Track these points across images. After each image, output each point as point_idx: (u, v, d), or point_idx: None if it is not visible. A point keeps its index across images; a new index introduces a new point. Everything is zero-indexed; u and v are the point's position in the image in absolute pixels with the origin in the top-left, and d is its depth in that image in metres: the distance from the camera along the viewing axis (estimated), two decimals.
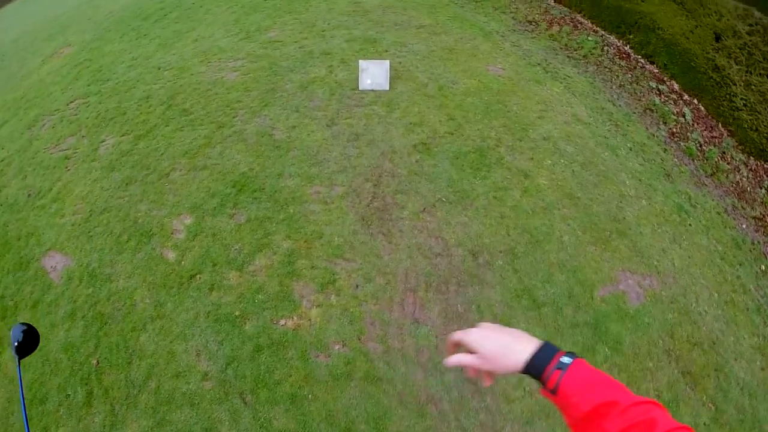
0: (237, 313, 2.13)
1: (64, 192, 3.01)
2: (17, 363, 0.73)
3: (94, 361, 2.07)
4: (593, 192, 2.65)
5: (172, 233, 2.53)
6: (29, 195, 3.01)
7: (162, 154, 3.07)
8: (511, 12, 4.68)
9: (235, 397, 1.88)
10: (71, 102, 3.90)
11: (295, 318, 2.05)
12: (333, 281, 2.15)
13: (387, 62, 3.27)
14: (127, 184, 2.90)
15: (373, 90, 3.39)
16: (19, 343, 0.76)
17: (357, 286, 2.13)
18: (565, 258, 2.20)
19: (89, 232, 2.69)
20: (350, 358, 1.88)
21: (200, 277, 2.26)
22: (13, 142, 3.52)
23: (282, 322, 2.09)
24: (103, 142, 3.40)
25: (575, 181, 2.67)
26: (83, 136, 3.54)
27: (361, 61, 3.32)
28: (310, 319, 2.03)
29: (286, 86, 3.48)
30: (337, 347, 1.94)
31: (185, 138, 3.11)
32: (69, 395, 2.04)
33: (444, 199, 2.52)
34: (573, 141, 2.98)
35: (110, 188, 2.92)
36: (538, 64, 3.80)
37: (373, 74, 3.33)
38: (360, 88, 3.39)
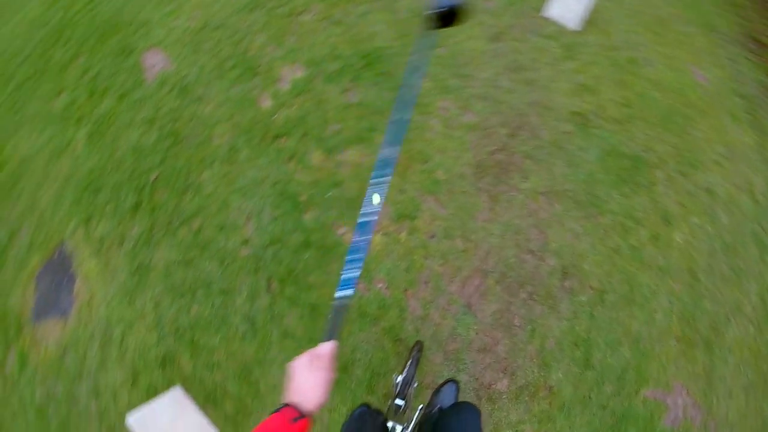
0: (303, 198, 2.01)
1: None
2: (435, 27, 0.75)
3: (154, 176, 2.15)
4: (716, 285, 2.19)
5: (277, 81, 2.44)
6: None
7: None
8: (744, 17, 3.69)
9: (263, 277, 1.89)
10: None
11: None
12: (412, 217, 2.02)
13: None
14: (252, 8, 2.86)
15: (557, 23, 2.87)
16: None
17: (433, 236, 2.00)
18: (644, 336, 1.93)
19: (197, 43, 2.75)
20: (386, 303, 1.85)
21: (285, 141, 2.15)
22: None
23: (342, 230, 1.97)
24: None
25: (707, 261, 2.26)
26: None
27: None
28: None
29: None
30: (379, 285, 1.89)
31: None
32: (120, 197, 2.18)
33: (571, 194, 2.18)
34: (732, 213, 2.47)
35: (233, 6, 2.91)
36: (744, 97, 3.21)
37: (567, 4, 2.74)
38: (543, 15, 2.89)
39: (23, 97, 3.07)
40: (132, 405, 1.94)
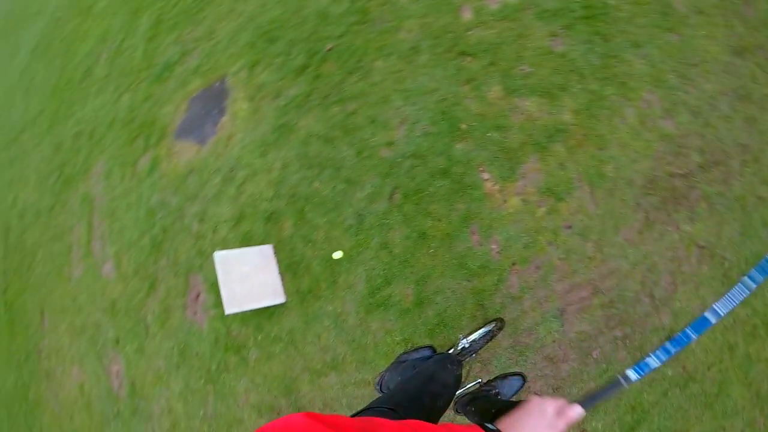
0: (463, 126, 2.19)
1: None
2: None
3: (329, 46, 2.49)
4: None
5: None
6: None
7: None
8: None
9: (390, 184, 2.19)
10: None
11: (497, 186, 2.15)
12: (559, 198, 2.11)
13: None
14: None
15: None
16: None
17: (570, 227, 2.08)
18: None
19: None
20: (489, 267, 2.04)
21: (470, 62, 2.31)
22: None
23: (485, 176, 2.14)
24: None
25: None
26: None
27: None
28: (505, 201, 2.13)
29: None
30: (493, 246, 2.07)
31: None
32: (291, 54, 2.61)
33: (726, 264, 2.06)
34: None
35: None
36: None
37: None
38: None
39: None
40: (226, 242, 2.44)
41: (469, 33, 2.44)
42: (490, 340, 1.87)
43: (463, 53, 2.37)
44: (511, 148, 2.13)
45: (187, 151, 2.84)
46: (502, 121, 2.19)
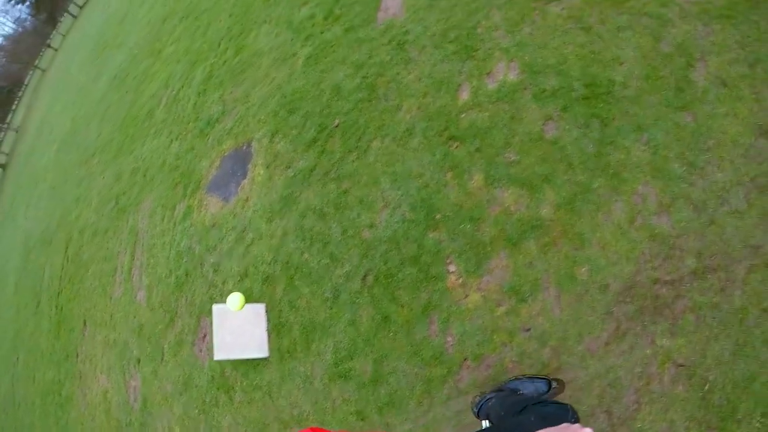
0: (438, 216, 2.61)
1: None
2: None
3: (337, 122, 3.02)
4: None
5: (487, 74, 2.92)
6: None
7: None
8: None
9: (365, 265, 2.62)
10: None
11: (461, 279, 2.41)
12: (521, 299, 2.30)
13: None
14: None
15: None
16: None
17: (528, 330, 2.26)
18: None
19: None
20: (442, 358, 2.31)
21: (457, 147, 2.73)
22: None
23: (452, 268, 2.46)
24: None
25: None
26: None
27: None
28: (466, 296, 2.39)
29: None
30: (448, 339, 2.34)
31: None
32: (305, 127, 3.18)
33: (707, 386, 2.06)
34: None
35: None
36: None
37: None
38: None
39: None
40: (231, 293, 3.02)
41: (462, 116, 2.80)
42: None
43: (453, 138, 2.74)
44: (481, 242, 2.44)
45: (213, 206, 3.53)
46: (478, 212, 2.51)
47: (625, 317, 2.20)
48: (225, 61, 4.43)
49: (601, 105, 2.67)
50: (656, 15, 2.94)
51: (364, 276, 2.57)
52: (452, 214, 2.53)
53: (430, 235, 2.51)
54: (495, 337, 2.28)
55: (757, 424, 1.97)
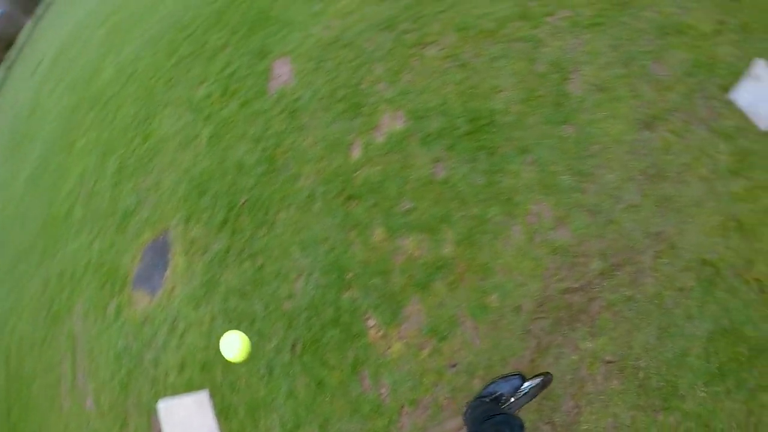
0: (349, 275, 2.77)
1: None
2: None
3: (243, 199, 3.15)
4: None
5: (375, 128, 3.14)
6: None
7: (441, 11, 3.54)
8: None
9: (292, 336, 2.74)
10: None
11: (381, 332, 2.53)
12: (442, 337, 2.43)
13: None
14: (385, 27, 3.58)
15: (744, 114, 2.69)
16: None
17: (454, 365, 2.36)
18: None
19: (321, 60, 3.65)
20: (380, 410, 2.40)
21: (356, 205, 2.88)
22: None
23: (371, 323, 2.58)
24: None
25: None
26: None
27: (758, 62, 2.54)
28: (389, 347, 2.49)
29: (643, 13, 3.19)
30: (382, 391, 2.44)
31: (477, 5, 3.46)
32: (215, 208, 3.30)
33: (642, 374, 2.17)
34: None
35: (369, 21, 3.65)
36: None
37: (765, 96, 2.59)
38: (729, 96, 2.74)
39: (178, 75, 4.53)
40: (175, 386, 3.06)
41: (356, 174, 3.00)
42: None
43: (350, 197, 2.93)
44: (393, 293, 2.59)
45: (142, 301, 3.55)
46: (384, 265, 2.68)
47: (543, 332, 2.34)
48: (134, 150, 4.49)
49: (485, 136, 2.91)
50: (528, 38, 3.24)
51: (292, 346, 2.68)
52: (361, 271, 2.69)
53: (345, 295, 2.66)
54: (425, 379, 2.40)
55: (702, 394, 2.11)
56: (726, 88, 2.87)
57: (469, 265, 2.57)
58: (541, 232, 2.57)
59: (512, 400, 2.10)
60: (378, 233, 2.79)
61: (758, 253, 2.47)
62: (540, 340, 2.34)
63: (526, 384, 2.11)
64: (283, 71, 3.86)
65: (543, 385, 2.14)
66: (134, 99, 5.28)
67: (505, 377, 2.18)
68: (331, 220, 2.89)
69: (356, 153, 3.12)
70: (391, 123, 3.17)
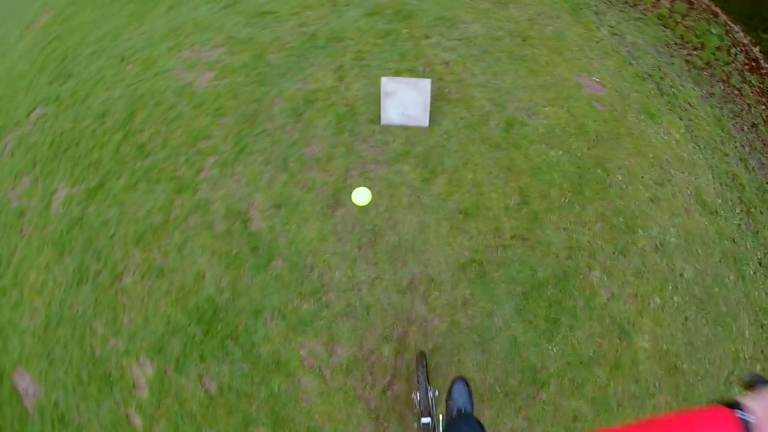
0: None
1: (21, 275, 3.71)
2: None
3: None
4: (702, 355, 2.53)
5: (134, 386, 2.96)
6: None
7: (113, 234, 3.39)
8: None
9: None
10: (32, 111, 4.55)
11: None
12: None
13: (426, 82, 3.07)
14: (78, 282, 3.44)
15: (403, 126, 3.23)
16: None
17: None
18: None
19: (49, 353, 3.35)
20: None
21: None
22: None
23: None
24: (55, 193, 3.94)
25: (685, 338, 2.55)
26: (37, 178, 4.10)
27: (384, 80, 3.05)
28: None
29: (273, 110, 3.35)
30: None
31: (139, 205, 3.45)
32: None
33: (499, 390, 2.42)
34: (693, 252, 2.76)
35: (63, 285, 3.48)
36: (649, 75, 3.55)
37: (404, 101, 3.13)
38: (382, 123, 3.11)
39: None
40: None
41: None
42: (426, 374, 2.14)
43: None
44: None
45: None
46: None
47: None
48: None
49: (219, 326, 2.89)
50: (196, 206, 3.30)
51: None
52: None
53: None
54: None
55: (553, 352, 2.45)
56: (375, 119, 3.16)
57: None
58: (325, 366, 2.64)
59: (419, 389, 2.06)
60: None
61: (495, 220, 2.78)
62: None
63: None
64: (26, 383, 3.46)
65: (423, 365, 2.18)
66: None
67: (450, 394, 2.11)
68: None
69: (137, 421, 2.92)
70: (142, 372, 3.01)
